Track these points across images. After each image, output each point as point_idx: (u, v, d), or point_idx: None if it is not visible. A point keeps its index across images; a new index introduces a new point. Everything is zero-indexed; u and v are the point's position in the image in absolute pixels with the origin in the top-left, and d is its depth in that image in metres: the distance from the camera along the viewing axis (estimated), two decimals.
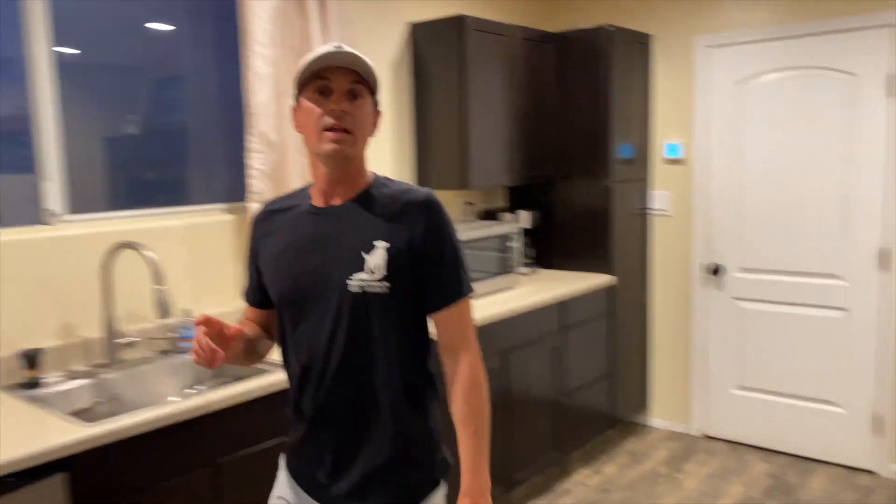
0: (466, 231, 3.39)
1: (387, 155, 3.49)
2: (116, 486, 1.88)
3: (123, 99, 2.78)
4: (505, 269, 3.64)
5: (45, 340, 2.32)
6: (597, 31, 3.84)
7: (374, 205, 1.48)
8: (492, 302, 3.30)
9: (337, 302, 1.44)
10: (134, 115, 2.83)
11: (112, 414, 2.15)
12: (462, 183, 3.48)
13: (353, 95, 1.43)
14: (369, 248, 1.43)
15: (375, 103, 1.50)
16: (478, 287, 3.22)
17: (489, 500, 1.49)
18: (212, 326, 1.39)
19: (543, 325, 3.44)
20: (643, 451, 4.02)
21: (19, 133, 2.44)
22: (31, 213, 2.43)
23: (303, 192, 1.58)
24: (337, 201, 1.50)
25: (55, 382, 2.26)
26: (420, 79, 3.57)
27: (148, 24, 2.82)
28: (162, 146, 2.90)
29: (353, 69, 1.42)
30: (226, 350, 1.42)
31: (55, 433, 1.81)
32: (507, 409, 3.22)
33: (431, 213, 1.47)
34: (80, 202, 2.52)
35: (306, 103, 1.44)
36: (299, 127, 1.48)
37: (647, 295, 4.32)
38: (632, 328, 4.21)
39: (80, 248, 2.41)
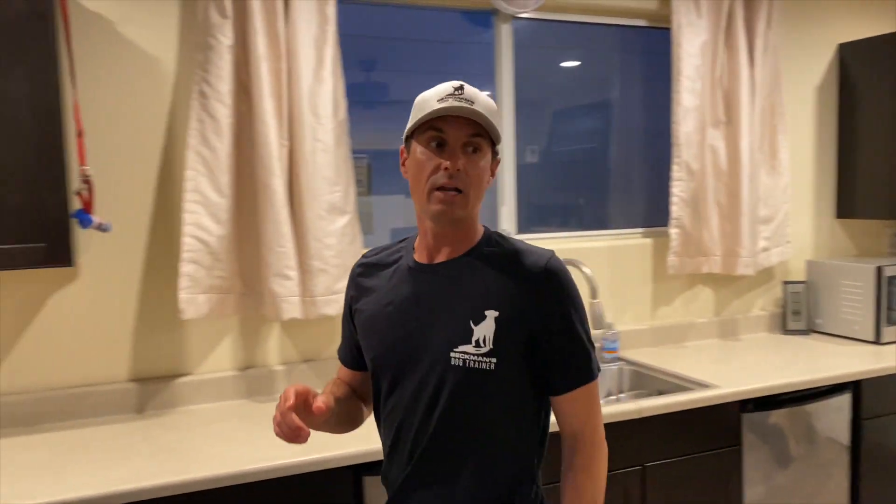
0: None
1: (808, 183, 3.37)
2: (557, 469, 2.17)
3: (554, 131, 3.16)
4: None
5: None
6: None
7: (485, 265, 1.31)
8: None
9: (435, 376, 1.28)
10: (559, 146, 3.20)
11: None
12: (893, 212, 3.21)
13: (472, 149, 1.27)
14: (479, 316, 1.26)
15: (494, 153, 1.33)
16: None
17: None
18: (298, 398, 1.23)
19: None
20: None
21: None
22: None
23: (406, 245, 1.43)
24: (442, 258, 1.34)
25: None
26: (846, 101, 3.38)
27: (562, 64, 3.18)
28: (585, 173, 3.23)
29: (472, 119, 1.25)
30: (311, 423, 1.27)
31: None
32: None
33: (554, 283, 1.29)
34: (525, 223, 2.94)
35: (417, 153, 1.28)
36: (407, 174, 1.32)
37: None
38: None
39: None
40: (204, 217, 2.21)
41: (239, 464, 1.82)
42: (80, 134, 2.05)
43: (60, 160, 1.90)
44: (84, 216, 2.04)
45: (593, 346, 1.34)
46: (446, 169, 1.24)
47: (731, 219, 3.02)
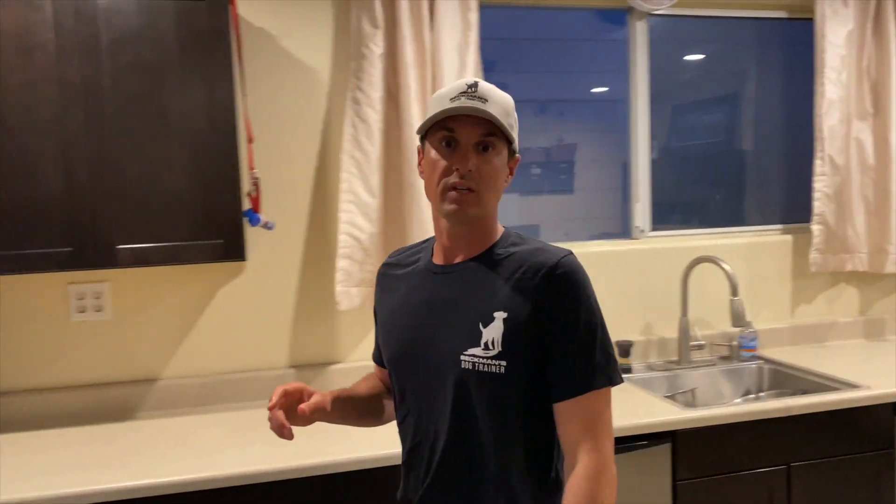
0: None
1: None
2: (707, 462, 2.18)
3: (674, 126, 3.13)
4: None
5: (632, 335, 2.78)
6: None
7: (499, 267, 1.27)
8: None
9: (446, 379, 1.26)
10: (680, 141, 3.16)
11: (688, 405, 2.48)
12: None
13: (483, 148, 1.24)
14: (488, 319, 1.23)
15: (512, 151, 1.29)
16: None
17: None
18: (287, 397, 1.28)
19: None
20: None
21: (561, 161, 3.01)
22: (622, 228, 2.96)
23: (426, 246, 1.41)
24: (459, 259, 1.31)
25: (639, 371, 2.69)
26: None
27: (686, 57, 3.14)
28: (711, 169, 3.17)
29: (484, 119, 1.21)
30: (299, 422, 1.29)
31: (661, 411, 2.20)
32: None
33: (563, 283, 1.22)
34: (658, 220, 2.94)
35: (431, 152, 1.26)
36: (422, 173, 1.30)
37: None
38: None
39: (661, 259, 2.81)
40: (357, 216, 2.36)
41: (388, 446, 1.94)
42: (250, 140, 2.25)
43: (234, 165, 2.10)
44: (253, 215, 2.23)
45: (606, 354, 1.24)
46: (457, 168, 1.22)
47: (880, 214, 2.90)
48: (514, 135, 1.28)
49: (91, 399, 2.32)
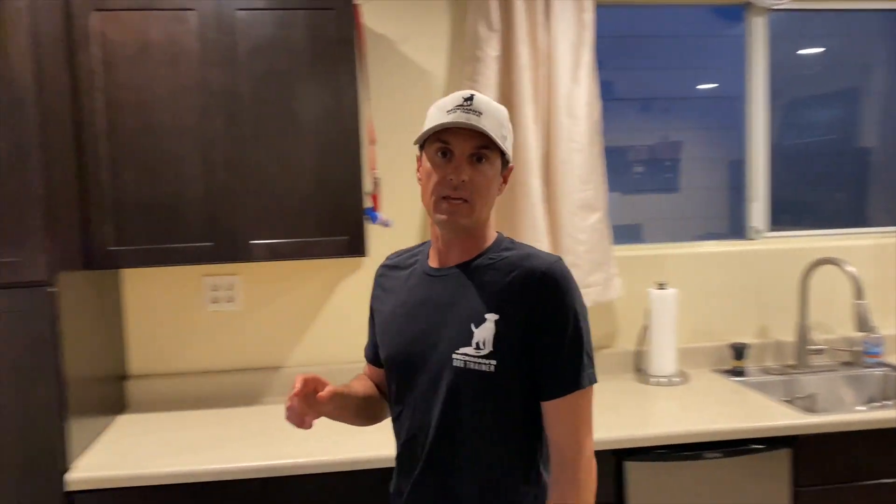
0: None
1: None
2: (829, 470, 2.12)
3: (785, 123, 3.02)
4: None
5: (746, 337, 2.72)
6: None
7: (491, 271, 1.33)
8: None
9: (438, 377, 1.32)
10: (792, 138, 3.05)
11: (808, 410, 2.41)
12: None
13: (477, 159, 1.29)
14: (479, 320, 1.30)
15: (505, 162, 1.35)
16: None
17: None
18: (307, 385, 1.31)
19: None
20: None
21: (666, 159, 2.96)
22: (731, 228, 2.90)
23: (423, 249, 1.48)
24: (452, 263, 1.38)
25: (753, 374, 2.63)
26: None
27: (800, 52, 3.02)
28: (828, 167, 3.05)
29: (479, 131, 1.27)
30: (317, 411, 1.34)
31: (780, 415, 2.16)
32: None
33: (553, 288, 1.28)
34: (776, 220, 2.86)
35: (426, 161, 1.33)
36: (420, 181, 1.37)
37: None
38: None
39: (779, 260, 2.74)
40: None
41: None
42: (372, 142, 2.35)
43: (357, 165, 2.20)
44: (373, 213, 2.33)
45: (590, 356, 1.31)
46: (450, 180, 1.28)
47: None
48: (508, 146, 1.33)
49: (223, 384, 2.49)
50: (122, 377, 2.46)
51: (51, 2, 1.96)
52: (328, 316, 2.54)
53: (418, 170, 1.38)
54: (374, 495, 1.85)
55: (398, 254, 1.56)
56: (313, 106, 2.16)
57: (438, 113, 1.30)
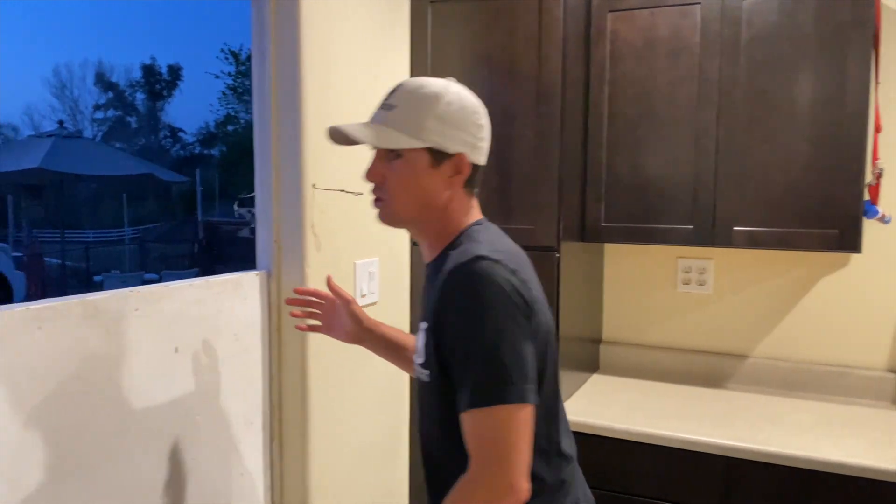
0: None
1: None
2: None
3: None
4: None
5: None
6: None
7: (438, 273, 1.19)
8: None
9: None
10: None
11: None
12: None
13: (397, 155, 1.20)
14: (419, 328, 1.24)
15: (439, 153, 1.19)
16: None
17: None
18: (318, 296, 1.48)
19: None
20: None
21: None
22: None
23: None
24: (428, 260, 1.30)
25: None
26: None
27: None
28: None
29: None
30: (340, 336, 1.51)
31: None
32: None
33: (456, 289, 1.12)
34: None
35: None
36: None
37: None
38: None
39: None
40: None
41: None
42: (877, 129, 2.17)
43: (860, 155, 2.06)
44: (870, 207, 2.16)
45: (492, 372, 1.07)
46: (366, 176, 1.24)
47: None
48: (436, 137, 1.18)
49: (685, 362, 2.60)
50: (598, 340, 2.74)
51: (577, 7, 2.26)
52: (804, 311, 2.44)
53: None
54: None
55: None
56: (813, 92, 2.09)
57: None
